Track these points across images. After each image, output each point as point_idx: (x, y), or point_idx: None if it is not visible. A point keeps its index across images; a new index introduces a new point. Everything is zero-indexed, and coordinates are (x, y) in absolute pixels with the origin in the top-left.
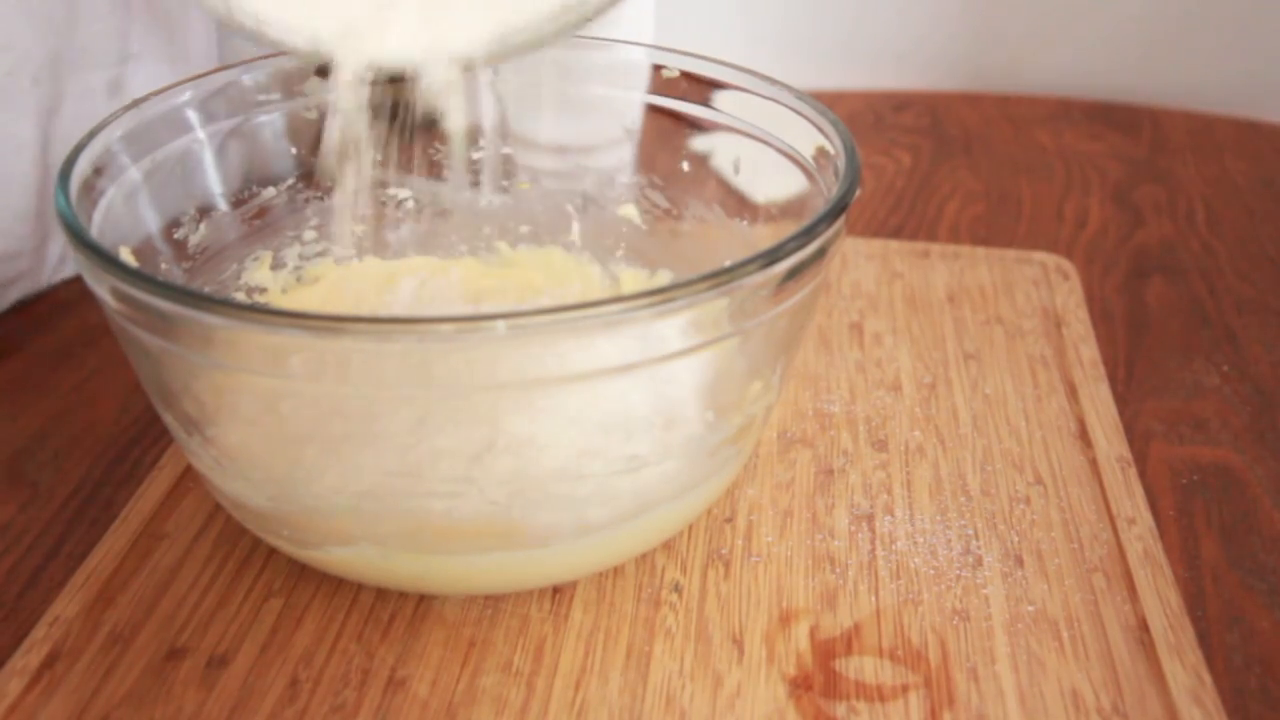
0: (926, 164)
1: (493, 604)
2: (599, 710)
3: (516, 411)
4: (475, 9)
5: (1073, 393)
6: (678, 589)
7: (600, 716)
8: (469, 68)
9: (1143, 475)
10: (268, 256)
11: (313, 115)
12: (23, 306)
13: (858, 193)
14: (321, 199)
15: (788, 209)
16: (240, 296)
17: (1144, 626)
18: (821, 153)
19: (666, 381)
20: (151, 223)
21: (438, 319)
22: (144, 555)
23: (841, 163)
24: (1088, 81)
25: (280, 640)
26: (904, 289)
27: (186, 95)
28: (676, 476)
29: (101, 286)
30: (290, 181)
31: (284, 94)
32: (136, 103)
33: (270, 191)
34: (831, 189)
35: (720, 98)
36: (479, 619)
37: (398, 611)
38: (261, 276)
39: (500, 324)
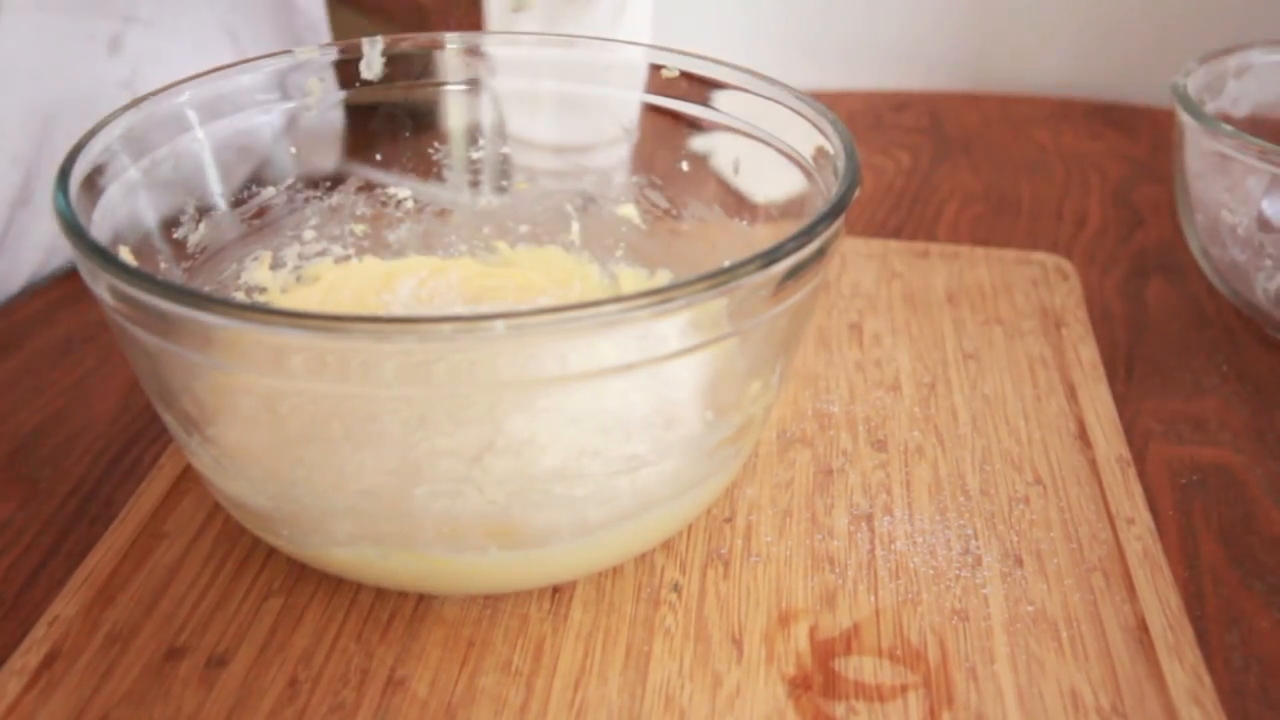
0: (926, 164)
1: (492, 604)
2: (598, 710)
3: (516, 411)
4: None
5: (1072, 393)
6: (677, 589)
7: (599, 716)
8: None
9: (1142, 475)
10: (267, 256)
11: (312, 114)
12: (21, 302)
13: (857, 193)
14: (321, 199)
15: (787, 209)
16: (240, 296)
17: (1143, 626)
18: (821, 153)
19: (666, 381)
20: (151, 222)
21: (437, 319)
22: (143, 554)
23: (841, 163)
24: (1087, 82)
25: (279, 640)
26: (903, 289)
27: (186, 94)
28: (676, 476)
29: (100, 286)
30: (290, 181)
31: (283, 94)
32: (136, 102)
33: (270, 191)
34: (831, 189)
35: (720, 98)
36: (478, 619)
37: (397, 611)
38: (261, 276)
39: (499, 324)
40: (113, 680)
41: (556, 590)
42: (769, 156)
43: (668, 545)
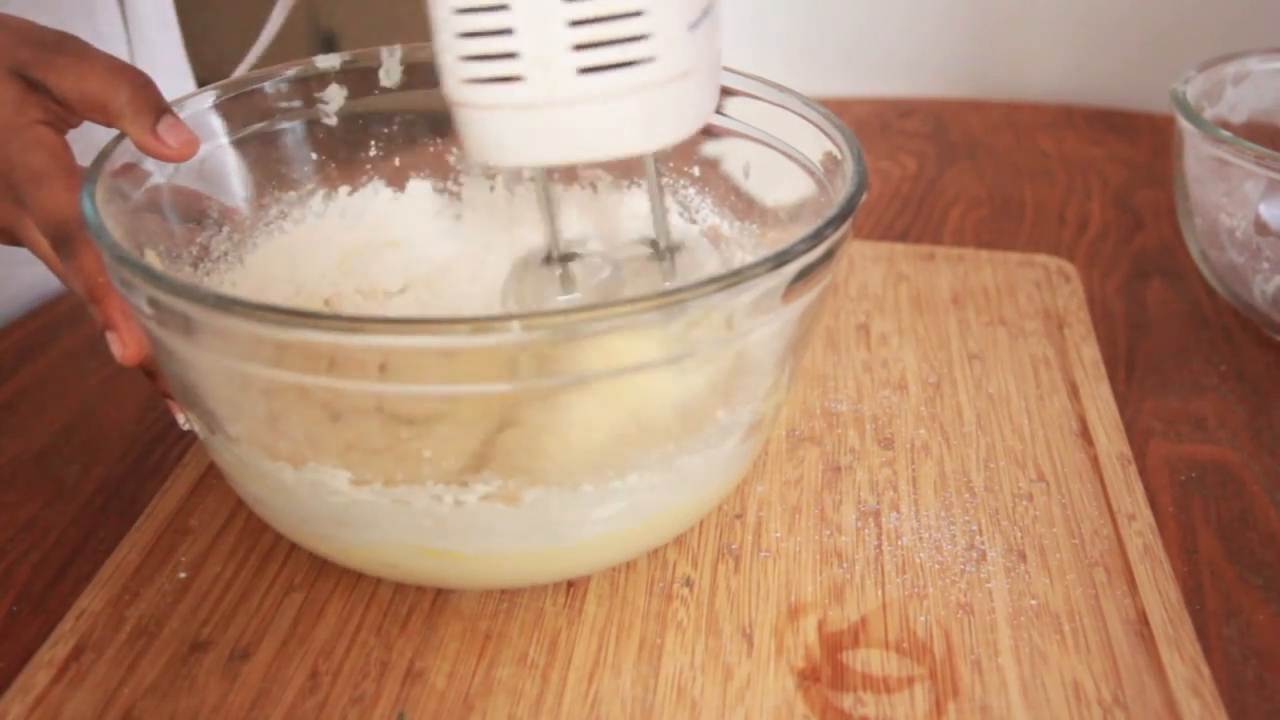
0: (932, 169)
1: (508, 598)
2: (612, 702)
3: (530, 409)
4: None
5: (1074, 392)
6: (689, 583)
7: (613, 708)
8: None
9: (1142, 472)
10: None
11: (332, 122)
12: (50, 305)
13: (864, 197)
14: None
15: (796, 213)
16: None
17: (1144, 620)
18: (829, 158)
19: (677, 380)
20: (175, 226)
21: (455, 319)
22: (168, 550)
23: (849, 167)
24: (1088, 88)
25: (301, 633)
26: (910, 291)
27: (210, 101)
28: (688, 473)
29: (126, 289)
30: (310, 186)
31: (305, 101)
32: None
33: (291, 195)
34: (839, 193)
35: (731, 104)
36: (495, 612)
37: (415, 605)
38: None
39: (515, 325)
40: (138, 673)
41: (571, 584)
42: (778, 161)
43: (680, 540)
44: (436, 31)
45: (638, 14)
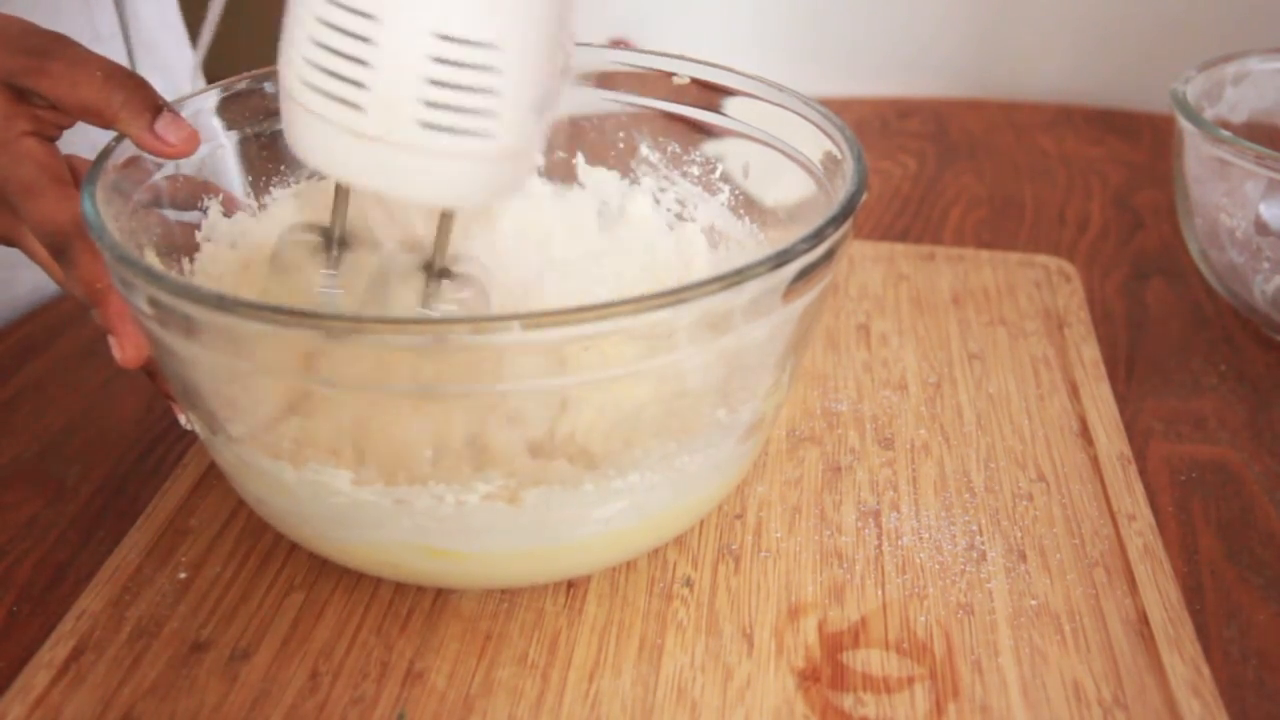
0: (932, 169)
1: (509, 598)
2: (612, 702)
3: (529, 408)
4: None
5: (1074, 392)
6: (689, 583)
7: (613, 708)
8: None
9: (1143, 472)
10: None
11: None
12: (50, 305)
13: (864, 196)
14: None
15: (796, 212)
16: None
17: (1144, 620)
18: (829, 158)
19: (678, 380)
20: (176, 226)
21: (454, 319)
22: (168, 551)
23: (849, 167)
24: (1088, 88)
25: (301, 634)
26: (910, 291)
27: (210, 101)
28: (688, 473)
29: (127, 289)
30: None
31: None
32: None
33: (288, 193)
34: (839, 193)
35: (731, 104)
36: (495, 613)
37: (416, 605)
38: None
39: (515, 324)
40: (138, 673)
41: (571, 585)
42: (778, 161)
43: (680, 541)
44: (291, 23)
45: (492, 93)
